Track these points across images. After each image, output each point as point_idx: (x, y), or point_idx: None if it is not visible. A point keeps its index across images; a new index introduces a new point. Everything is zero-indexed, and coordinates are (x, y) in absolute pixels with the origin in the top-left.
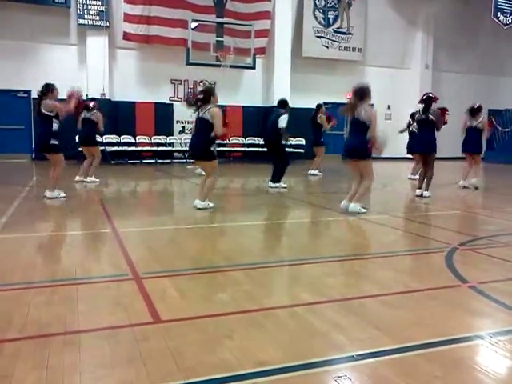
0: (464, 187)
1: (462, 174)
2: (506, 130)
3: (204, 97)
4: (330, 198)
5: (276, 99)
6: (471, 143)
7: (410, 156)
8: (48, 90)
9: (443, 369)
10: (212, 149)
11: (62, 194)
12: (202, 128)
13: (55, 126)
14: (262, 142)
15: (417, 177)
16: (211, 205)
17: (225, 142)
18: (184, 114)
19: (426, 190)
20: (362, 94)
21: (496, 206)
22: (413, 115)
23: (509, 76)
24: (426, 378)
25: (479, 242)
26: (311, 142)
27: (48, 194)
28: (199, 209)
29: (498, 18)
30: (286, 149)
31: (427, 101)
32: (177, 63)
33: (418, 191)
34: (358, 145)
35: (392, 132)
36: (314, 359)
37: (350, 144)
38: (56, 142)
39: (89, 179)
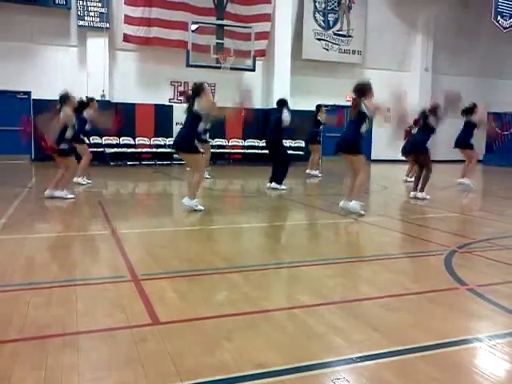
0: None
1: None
2: (505, 133)
3: (192, 93)
4: (330, 199)
5: (276, 102)
6: (458, 137)
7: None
8: (66, 98)
9: (442, 371)
10: (196, 143)
11: (70, 196)
12: (188, 121)
13: (69, 133)
14: (261, 143)
15: (412, 179)
16: (200, 207)
17: (224, 143)
18: (184, 115)
19: (421, 191)
20: (361, 90)
21: (495, 208)
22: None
23: (508, 79)
24: (424, 380)
25: (478, 245)
26: (307, 139)
27: (57, 193)
28: (193, 209)
29: (497, 21)
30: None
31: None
32: (177, 65)
33: (412, 193)
34: (350, 138)
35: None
36: (313, 361)
37: (342, 137)
38: (65, 147)
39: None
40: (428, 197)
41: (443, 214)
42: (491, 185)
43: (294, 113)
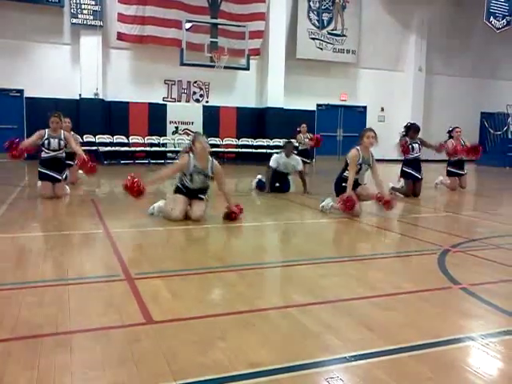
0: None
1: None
2: (498, 133)
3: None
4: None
5: (270, 100)
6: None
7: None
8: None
9: (435, 370)
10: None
11: None
12: None
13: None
14: (255, 143)
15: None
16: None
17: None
18: (177, 114)
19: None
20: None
21: (488, 208)
22: None
23: (501, 79)
24: (418, 379)
25: (471, 244)
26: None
27: None
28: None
29: (490, 22)
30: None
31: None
32: (171, 63)
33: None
34: (335, 180)
35: (384, 134)
36: (307, 360)
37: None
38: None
39: None
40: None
41: (436, 213)
42: (483, 185)
43: (287, 112)
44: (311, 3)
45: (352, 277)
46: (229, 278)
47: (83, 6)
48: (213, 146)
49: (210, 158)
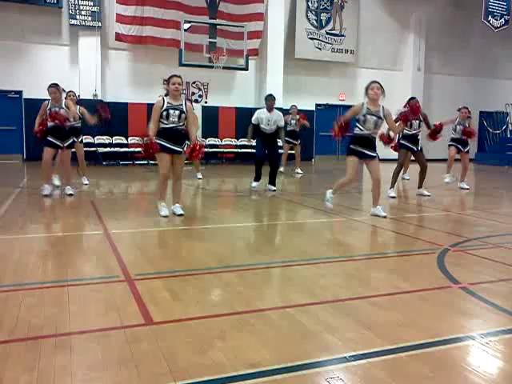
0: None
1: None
2: (497, 132)
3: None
4: (322, 198)
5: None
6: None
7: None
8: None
9: (435, 369)
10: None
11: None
12: None
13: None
14: (254, 143)
15: (407, 177)
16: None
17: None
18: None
19: (420, 187)
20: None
21: (487, 207)
22: None
23: (499, 78)
24: (417, 378)
25: (470, 244)
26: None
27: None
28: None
29: (488, 21)
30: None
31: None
32: (169, 64)
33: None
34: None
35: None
36: (307, 360)
37: None
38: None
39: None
40: (426, 192)
41: (435, 212)
42: (483, 184)
43: (286, 112)
44: (309, 3)
45: (351, 276)
46: (228, 279)
47: (81, 7)
48: (212, 146)
49: (184, 100)
